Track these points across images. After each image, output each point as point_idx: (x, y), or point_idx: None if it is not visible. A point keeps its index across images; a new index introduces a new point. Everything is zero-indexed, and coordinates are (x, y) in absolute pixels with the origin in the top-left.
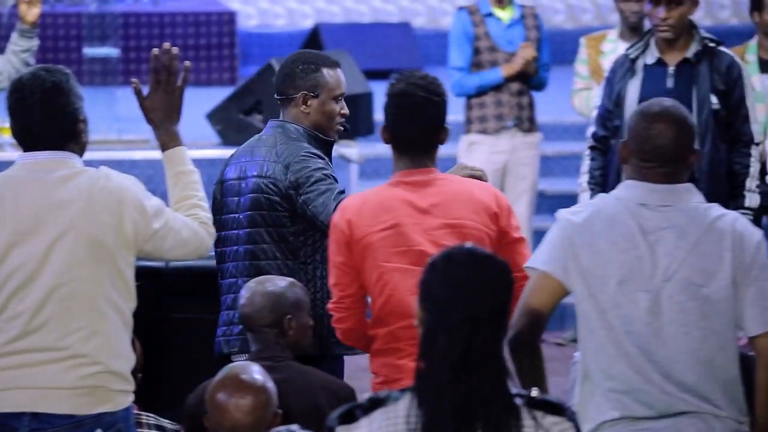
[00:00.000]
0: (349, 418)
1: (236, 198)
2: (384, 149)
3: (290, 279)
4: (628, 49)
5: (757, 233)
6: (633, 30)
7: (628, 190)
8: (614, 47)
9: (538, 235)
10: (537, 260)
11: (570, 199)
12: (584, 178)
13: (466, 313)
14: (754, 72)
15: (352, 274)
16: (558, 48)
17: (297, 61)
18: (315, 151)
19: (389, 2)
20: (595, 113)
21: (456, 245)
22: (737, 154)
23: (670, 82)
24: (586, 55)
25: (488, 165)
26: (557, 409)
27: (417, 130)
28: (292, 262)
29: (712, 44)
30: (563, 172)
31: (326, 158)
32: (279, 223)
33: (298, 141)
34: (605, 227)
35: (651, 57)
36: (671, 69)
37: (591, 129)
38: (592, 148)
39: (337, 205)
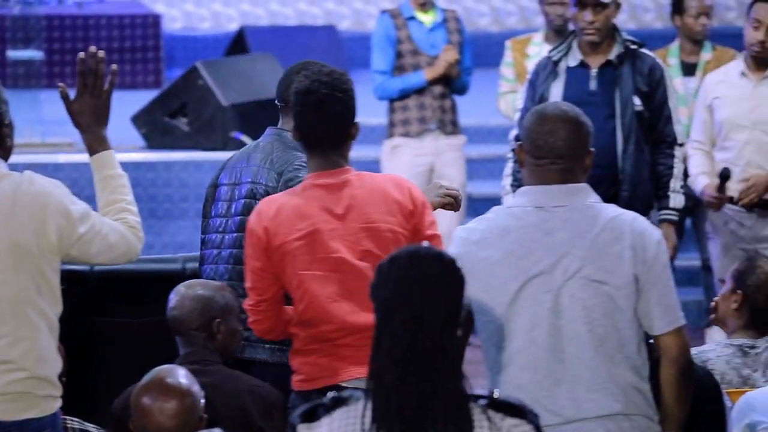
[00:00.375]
0: (311, 416)
1: (228, 202)
2: None
3: (220, 283)
4: (550, 52)
5: (656, 232)
6: (558, 33)
7: (523, 196)
8: (539, 50)
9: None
10: None
11: (495, 202)
12: (507, 181)
13: (408, 314)
14: (676, 75)
15: (269, 279)
16: (483, 51)
17: (301, 70)
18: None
19: (314, 5)
20: (518, 116)
21: (406, 246)
22: (661, 155)
23: (592, 84)
24: (512, 58)
25: (413, 168)
26: (518, 411)
27: (323, 127)
28: None
29: (634, 46)
30: (489, 175)
31: None
32: None
33: (295, 150)
34: (499, 238)
35: (573, 59)
36: (594, 71)
37: (514, 132)
38: (514, 150)
39: None
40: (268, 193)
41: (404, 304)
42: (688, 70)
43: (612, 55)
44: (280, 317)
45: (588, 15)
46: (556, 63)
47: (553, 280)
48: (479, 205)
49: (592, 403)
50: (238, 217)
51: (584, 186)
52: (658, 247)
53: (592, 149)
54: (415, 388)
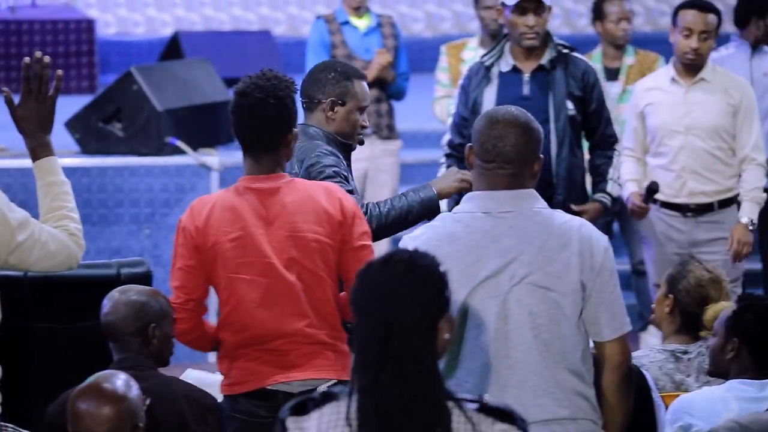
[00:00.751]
0: (300, 410)
1: None
2: None
3: (154, 288)
4: (483, 57)
5: (603, 238)
6: (493, 37)
7: (469, 202)
8: (475, 55)
9: (396, 243)
10: None
11: None
12: None
13: (378, 319)
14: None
15: (199, 278)
16: (418, 56)
17: (329, 69)
18: (331, 149)
19: (249, 10)
20: (450, 121)
21: (391, 251)
22: (603, 154)
23: (526, 89)
24: (447, 63)
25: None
26: (508, 416)
27: (253, 130)
28: None
29: (565, 50)
30: (424, 180)
31: (343, 160)
32: None
33: (317, 140)
34: (446, 246)
35: (506, 64)
36: (526, 76)
37: (447, 137)
38: (448, 155)
39: None
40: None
41: (374, 309)
42: (611, 75)
43: (544, 59)
44: (201, 321)
45: (530, 19)
46: (488, 68)
47: (501, 286)
48: None
49: (538, 408)
50: None
51: (532, 192)
52: (605, 254)
53: (541, 155)
54: (391, 392)
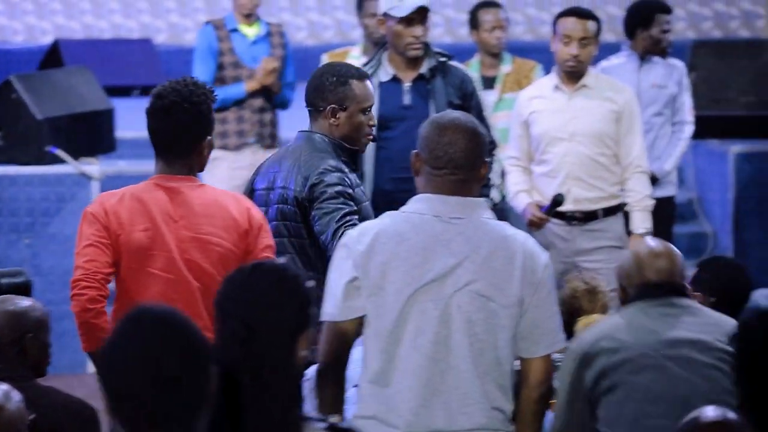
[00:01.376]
0: None
1: (265, 207)
2: (126, 166)
3: (31, 299)
4: (362, 67)
5: (544, 255)
6: (377, 45)
7: (420, 203)
8: (358, 63)
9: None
10: (325, 312)
11: None
12: None
13: (243, 322)
14: (477, 88)
15: (108, 256)
16: (300, 65)
17: (326, 74)
18: (336, 164)
19: (130, 18)
20: None
21: (262, 260)
22: None
23: (406, 99)
24: None
25: (230, 181)
26: None
27: (164, 132)
28: (311, 273)
29: (443, 59)
30: None
31: (351, 167)
32: (299, 234)
33: (323, 152)
34: (394, 244)
35: (385, 74)
36: (407, 85)
37: None
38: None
39: (338, 228)
40: (296, 199)
41: (238, 312)
42: (488, 83)
43: (424, 68)
44: (106, 296)
45: (417, 30)
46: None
47: (444, 290)
48: None
49: (464, 417)
50: (274, 222)
51: (481, 201)
52: (545, 270)
53: (487, 159)
54: (246, 397)
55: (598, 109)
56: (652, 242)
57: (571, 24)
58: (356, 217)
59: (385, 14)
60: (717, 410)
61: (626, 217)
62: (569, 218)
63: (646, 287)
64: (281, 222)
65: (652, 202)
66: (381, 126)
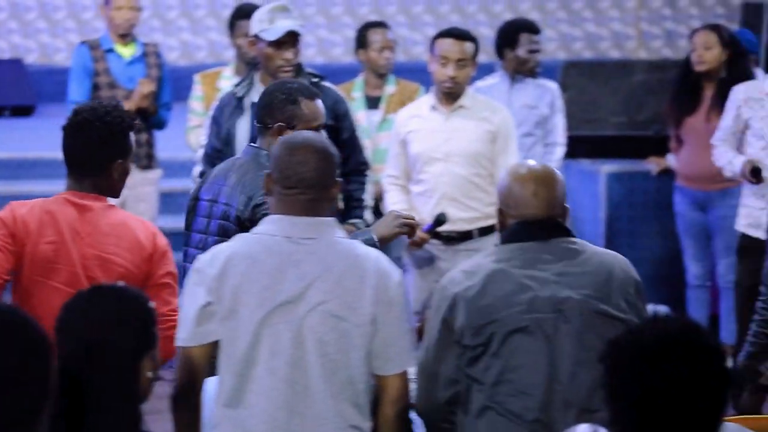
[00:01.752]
0: None
1: (207, 219)
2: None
3: None
4: (234, 88)
5: (397, 273)
6: (249, 66)
7: (272, 224)
8: (230, 84)
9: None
10: (178, 338)
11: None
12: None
13: (84, 344)
14: (360, 108)
15: (7, 262)
16: (173, 85)
17: (276, 91)
18: None
19: (0, 38)
20: (201, 152)
21: (102, 284)
22: (356, 181)
23: None
24: (201, 92)
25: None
26: None
27: (76, 150)
28: None
29: (315, 79)
30: (179, 209)
31: None
32: None
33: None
34: (246, 267)
35: (257, 95)
36: None
37: (198, 168)
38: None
39: None
40: (238, 218)
41: (80, 334)
42: (372, 103)
43: None
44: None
45: (288, 54)
46: (240, 99)
47: (296, 311)
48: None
49: None
50: (215, 237)
51: (333, 221)
52: (398, 288)
53: (339, 179)
54: (88, 420)
55: (474, 129)
56: (530, 167)
57: (448, 45)
58: None
59: (256, 36)
60: (588, 429)
61: None
62: (445, 238)
63: (523, 226)
64: (222, 238)
65: None
66: None
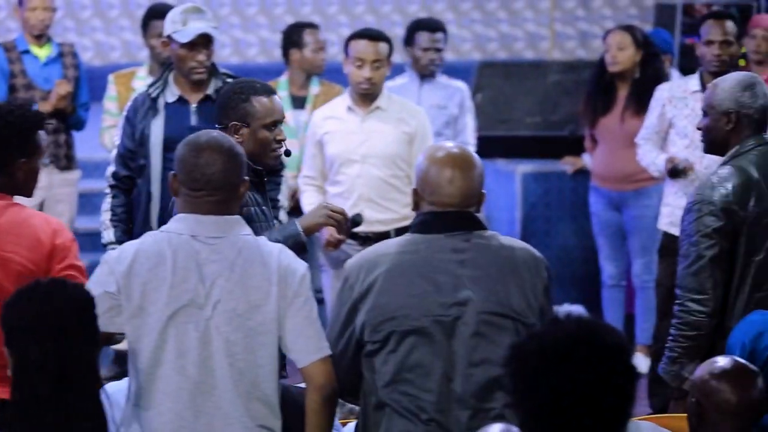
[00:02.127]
0: None
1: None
2: None
3: None
4: (149, 88)
5: (302, 266)
6: (163, 66)
7: (178, 223)
8: (145, 84)
9: None
10: None
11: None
12: (107, 216)
13: (38, 336)
14: (286, 108)
15: None
16: (87, 85)
17: (230, 91)
18: None
19: None
20: (115, 152)
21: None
22: (271, 182)
23: (194, 120)
24: (116, 92)
25: (26, 202)
26: None
27: None
28: None
29: (230, 80)
30: (95, 210)
31: (257, 186)
32: None
33: None
34: (153, 265)
35: (171, 95)
36: (193, 106)
37: (111, 168)
38: (112, 186)
39: None
40: None
41: (30, 326)
42: (298, 103)
43: (210, 89)
44: None
45: (201, 56)
46: (154, 99)
47: (203, 312)
48: (87, 240)
49: None
50: None
51: (238, 219)
52: (301, 281)
53: (246, 178)
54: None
55: (391, 131)
56: (448, 150)
57: (362, 47)
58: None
59: (169, 37)
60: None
61: None
62: (362, 239)
63: (433, 216)
64: None
65: None
66: (168, 147)
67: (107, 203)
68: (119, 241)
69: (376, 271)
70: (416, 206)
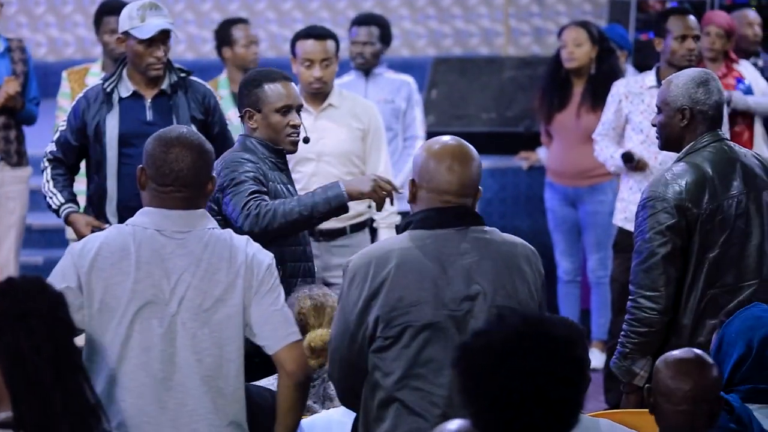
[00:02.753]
0: None
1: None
2: None
3: None
4: (104, 83)
5: (267, 256)
6: (116, 62)
7: (144, 217)
8: (98, 80)
9: (25, 269)
10: None
11: (55, 234)
12: (50, 185)
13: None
14: (229, 106)
15: None
16: (41, 81)
17: (246, 79)
18: (249, 157)
19: None
20: (57, 135)
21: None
22: None
23: (149, 115)
24: (69, 89)
25: None
26: None
27: None
28: None
29: (183, 74)
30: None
31: (281, 167)
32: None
33: (246, 152)
34: (117, 259)
35: (125, 90)
36: (148, 101)
37: (51, 147)
38: (50, 160)
39: (247, 201)
40: (219, 188)
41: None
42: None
43: (165, 84)
44: None
45: (159, 52)
46: (109, 94)
47: (168, 307)
48: (40, 237)
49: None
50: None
51: (203, 212)
52: (266, 271)
53: (214, 175)
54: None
55: (344, 128)
56: (446, 142)
57: (310, 46)
58: (266, 196)
59: (126, 33)
60: (460, 422)
61: (373, 233)
62: (318, 234)
63: (436, 212)
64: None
65: (398, 219)
66: (123, 142)
67: (47, 174)
68: (69, 201)
69: (387, 266)
70: (413, 198)
